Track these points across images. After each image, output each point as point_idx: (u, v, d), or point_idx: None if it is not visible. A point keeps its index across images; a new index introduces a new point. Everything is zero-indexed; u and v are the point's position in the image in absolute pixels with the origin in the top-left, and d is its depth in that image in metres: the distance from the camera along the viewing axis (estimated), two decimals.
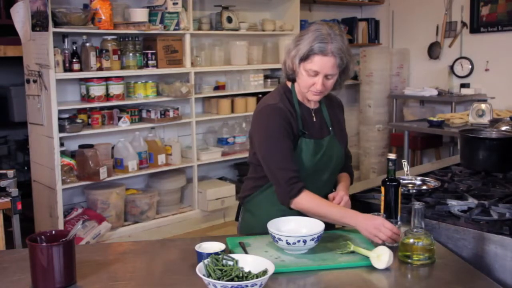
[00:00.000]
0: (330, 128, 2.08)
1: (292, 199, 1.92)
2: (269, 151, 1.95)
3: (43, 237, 1.58)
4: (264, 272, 1.48)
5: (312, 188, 1.94)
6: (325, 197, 2.00)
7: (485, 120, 4.50)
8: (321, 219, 1.86)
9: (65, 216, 4.01)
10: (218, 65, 4.96)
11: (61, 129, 3.92)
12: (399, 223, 1.83)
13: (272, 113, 1.97)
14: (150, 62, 4.38)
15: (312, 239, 1.72)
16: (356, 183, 2.36)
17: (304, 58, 1.90)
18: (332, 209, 1.91)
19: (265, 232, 1.82)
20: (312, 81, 1.92)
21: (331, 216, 1.89)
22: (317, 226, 1.80)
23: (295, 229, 1.84)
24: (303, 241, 1.71)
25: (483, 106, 4.65)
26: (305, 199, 1.91)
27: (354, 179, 2.26)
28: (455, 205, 2.11)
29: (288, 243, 1.72)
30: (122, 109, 4.36)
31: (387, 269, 1.64)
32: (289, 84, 2.07)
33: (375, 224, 1.79)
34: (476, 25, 5.64)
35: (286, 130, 1.95)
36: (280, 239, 1.73)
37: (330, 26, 1.92)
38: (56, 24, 3.85)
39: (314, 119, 2.06)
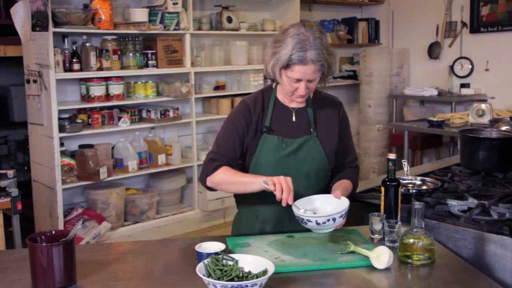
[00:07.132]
0: (312, 129, 2.04)
1: (207, 177, 1.97)
2: (217, 135, 2.06)
3: (43, 237, 1.58)
4: (264, 272, 1.48)
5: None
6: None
7: (485, 120, 4.49)
8: (233, 189, 1.94)
9: (65, 216, 4.01)
10: (218, 65, 4.96)
11: (61, 129, 3.92)
12: (399, 223, 1.83)
13: (237, 105, 2.08)
14: (150, 62, 4.38)
15: (341, 216, 1.75)
16: None
17: (284, 67, 1.90)
18: (243, 175, 1.93)
19: (251, 222, 2.00)
20: (295, 87, 1.93)
21: (241, 179, 1.90)
22: (343, 203, 1.83)
23: (320, 208, 1.86)
24: (333, 219, 1.74)
25: (483, 106, 4.64)
26: (220, 172, 1.95)
27: None
28: (455, 205, 2.11)
29: (318, 223, 1.75)
30: (122, 109, 4.36)
31: (387, 269, 1.64)
32: (273, 83, 2.09)
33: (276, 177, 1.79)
34: (476, 25, 5.64)
35: (239, 121, 2.01)
36: (309, 221, 1.75)
37: (308, 28, 1.88)
38: (56, 24, 3.85)
39: (294, 119, 2.05)
